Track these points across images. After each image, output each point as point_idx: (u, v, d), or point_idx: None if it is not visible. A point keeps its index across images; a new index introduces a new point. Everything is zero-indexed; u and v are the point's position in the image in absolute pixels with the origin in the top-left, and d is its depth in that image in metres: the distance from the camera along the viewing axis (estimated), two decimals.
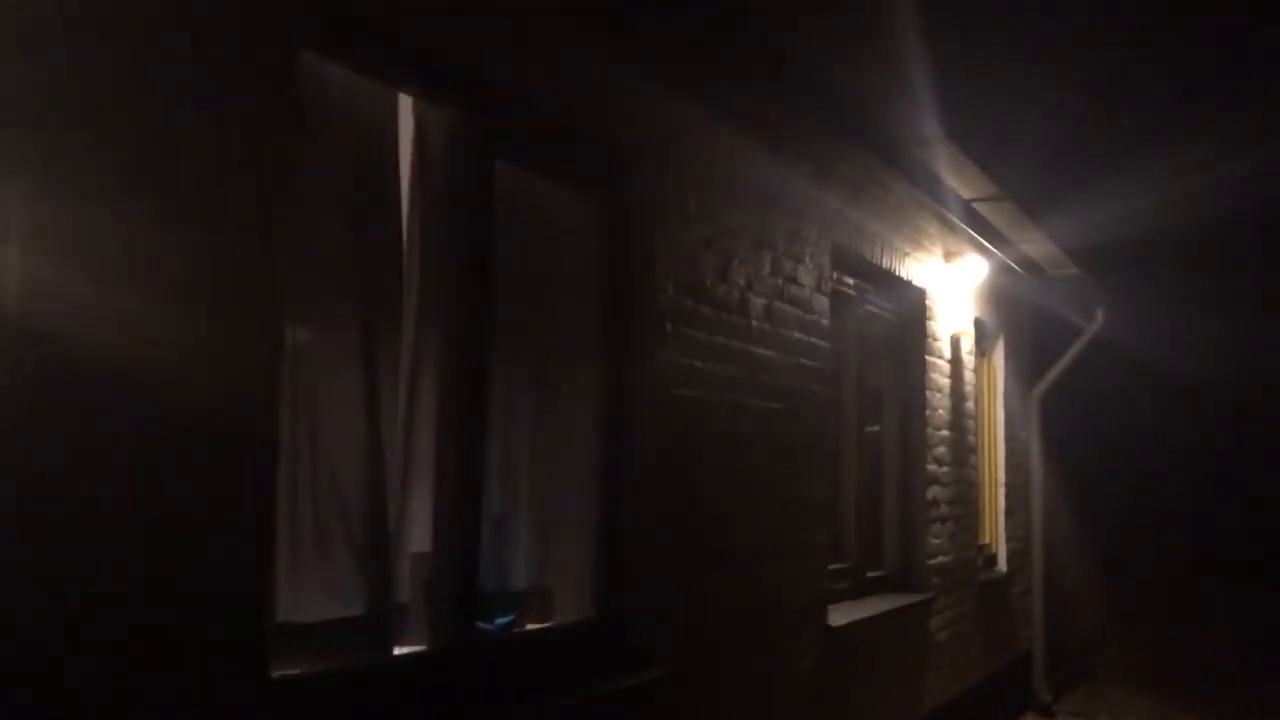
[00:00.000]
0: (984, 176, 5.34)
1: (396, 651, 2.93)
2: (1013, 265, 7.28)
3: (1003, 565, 8.32)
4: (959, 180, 5.46)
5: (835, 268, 5.32)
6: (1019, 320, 8.88)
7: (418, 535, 3.08)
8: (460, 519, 3.08)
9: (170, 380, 2.16)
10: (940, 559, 6.60)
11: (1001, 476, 8.42)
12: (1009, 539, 8.43)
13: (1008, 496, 8.46)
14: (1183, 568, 9.92)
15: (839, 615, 5.15)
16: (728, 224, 4.28)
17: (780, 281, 4.69)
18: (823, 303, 5.10)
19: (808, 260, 4.95)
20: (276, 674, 2.53)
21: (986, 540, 8.11)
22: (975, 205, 5.97)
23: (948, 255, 6.82)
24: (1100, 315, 8.74)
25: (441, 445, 3.07)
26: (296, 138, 2.62)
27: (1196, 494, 9.72)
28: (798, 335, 4.82)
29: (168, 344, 2.17)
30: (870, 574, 5.94)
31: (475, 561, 3.12)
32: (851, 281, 5.75)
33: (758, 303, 4.49)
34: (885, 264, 5.88)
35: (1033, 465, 8.92)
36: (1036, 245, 7.09)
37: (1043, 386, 8.93)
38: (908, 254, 6.19)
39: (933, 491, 6.55)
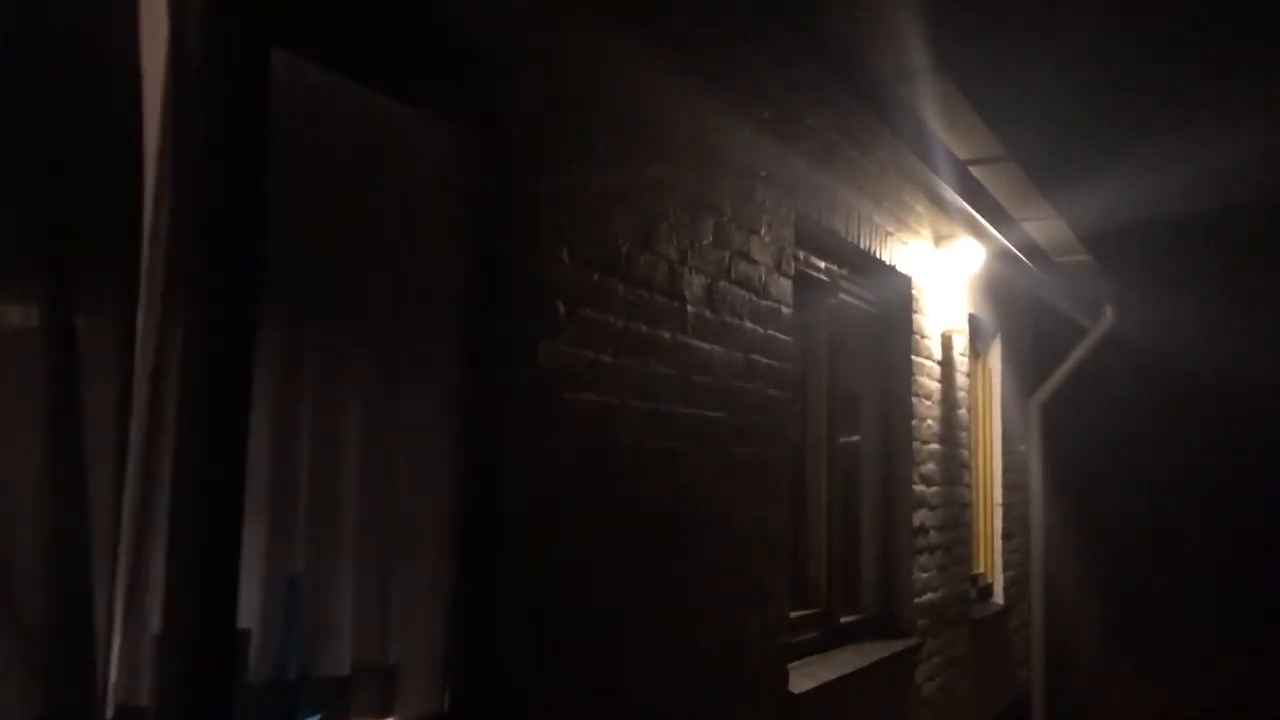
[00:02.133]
0: (984, 128, 4.31)
1: None
2: (1013, 250, 6.27)
3: (999, 597, 7.30)
4: (953, 133, 4.43)
5: (800, 244, 4.31)
6: (1018, 317, 7.91)
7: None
8: (210, 581, 2.05)
9: None
10: (928, 596, 5.59)
11: (998, 496, 7.41)
12: (1006, 567, 7.44)
13: (1005, 518, 7.46)
14: (1195, 594, 8.93)
15: (803, 678, 4.13)
16: (652, 176, 3.26)
17: (726, 256, 3.67)
18: (784, 287, 4.08)
19: (764, 232, 3.93)
20: None
21: (981, 569, 7.10)
22: (972, 169, 4.94)
23: (938, 239, 5.84)
24: (1110, 312, 7.79)
25: (178, 475, 2.04)
26: None
27: (1215, 515, 8.70)
28: (749, 325, 3.80)
29: None
30: (844, 619, 4.91)
31: (228, 643, 2.08)
32: (821, 264, 4.74)
33: (695, 281, 3.47)
34: (863, 244, 4.87)
35: (1032, 483, 7.95)
36: (1042, 225, 6.08)
37: (1044, 393, 8.00)
38: (890, 234, 5.18)
39: (920, 516, 5.54)
